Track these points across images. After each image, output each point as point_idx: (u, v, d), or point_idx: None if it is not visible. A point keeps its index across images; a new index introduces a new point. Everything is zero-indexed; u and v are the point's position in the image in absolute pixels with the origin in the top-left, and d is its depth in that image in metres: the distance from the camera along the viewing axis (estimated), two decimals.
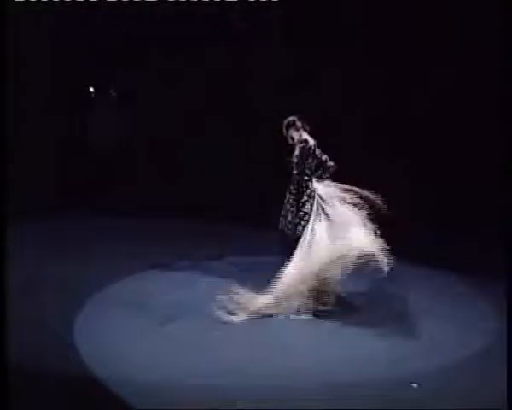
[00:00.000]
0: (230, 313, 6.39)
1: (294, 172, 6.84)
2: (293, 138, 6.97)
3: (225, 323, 6.23)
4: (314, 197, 6.77)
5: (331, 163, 6.92)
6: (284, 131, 6.99)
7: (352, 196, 6.76)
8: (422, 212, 9.35)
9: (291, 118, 6.99)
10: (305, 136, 6.91)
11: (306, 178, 6.82)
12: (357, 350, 5.82)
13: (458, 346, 5.87)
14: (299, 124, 6.95)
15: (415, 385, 5.14)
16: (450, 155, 9.76)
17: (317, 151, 6.90)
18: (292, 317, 6.50)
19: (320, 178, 6.92)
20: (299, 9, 10.39)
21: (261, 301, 6.50)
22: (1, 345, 4.90)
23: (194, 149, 11.05)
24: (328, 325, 6.33)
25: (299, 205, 6.78)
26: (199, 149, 11.02)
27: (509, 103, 6.04)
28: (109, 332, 6.05)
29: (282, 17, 10.53)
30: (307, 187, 6.80)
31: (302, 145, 6.85)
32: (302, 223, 6.71)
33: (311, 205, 6.73)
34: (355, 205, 6.71)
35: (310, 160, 6.85)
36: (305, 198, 6.78)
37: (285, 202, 6.90)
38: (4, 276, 5.24)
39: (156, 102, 11.39)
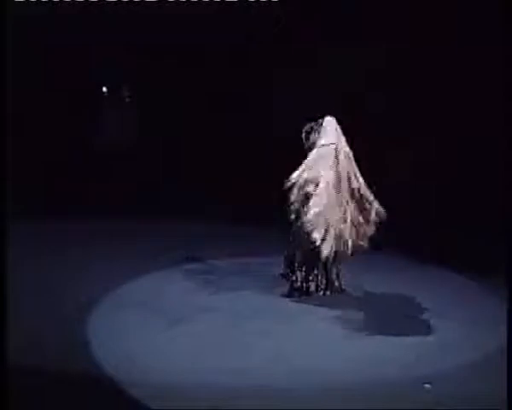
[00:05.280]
0: None
1: None
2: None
3: None
4: None
5: None
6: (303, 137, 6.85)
7: None
8: (425, 211, 9.35)
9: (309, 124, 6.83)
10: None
11: None
12: (362, 351, 5.77)
13: (457, 347, 5.81)
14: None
15: (428, 386, 5.05)
16: (453, 154, 9.77)
17: None
18: None
19: None
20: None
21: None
22: (1, 345, 4.88)
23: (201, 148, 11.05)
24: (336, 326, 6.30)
25: None
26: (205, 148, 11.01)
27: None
28: (112, 332, 6.04)
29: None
30: None
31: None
32: None
33: None
34: None
35: None
36: None
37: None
38: (4, 276, 5.23)
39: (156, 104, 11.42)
